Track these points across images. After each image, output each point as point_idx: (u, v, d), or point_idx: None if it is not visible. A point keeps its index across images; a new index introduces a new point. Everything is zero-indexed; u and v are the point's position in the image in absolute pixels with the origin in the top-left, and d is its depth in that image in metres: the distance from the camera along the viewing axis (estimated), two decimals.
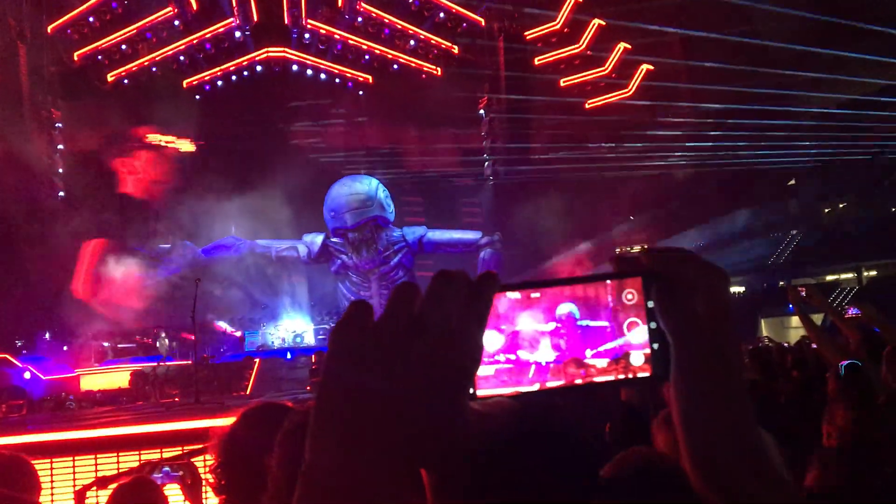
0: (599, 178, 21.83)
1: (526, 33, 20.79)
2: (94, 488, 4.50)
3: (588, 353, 0.80)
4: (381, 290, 18.98)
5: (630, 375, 0.81)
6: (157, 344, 17.32)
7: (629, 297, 0.81)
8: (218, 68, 20.18)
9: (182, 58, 19.99)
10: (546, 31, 21.15)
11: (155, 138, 19.67)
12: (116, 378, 16.16)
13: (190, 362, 15.82)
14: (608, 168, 21.94)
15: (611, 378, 0.81)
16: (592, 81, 21.58)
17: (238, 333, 19.32)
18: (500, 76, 20.73)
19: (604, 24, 20.81)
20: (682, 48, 21.62)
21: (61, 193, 19.12)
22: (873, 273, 25.85)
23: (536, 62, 21.24)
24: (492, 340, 0.76)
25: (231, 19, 19.53)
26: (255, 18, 19.59)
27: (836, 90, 21.86)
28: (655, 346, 0.81)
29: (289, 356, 17.68)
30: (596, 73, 21.37)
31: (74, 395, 14.93)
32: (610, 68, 21.18)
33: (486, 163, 21.58)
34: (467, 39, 21.36)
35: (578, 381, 0.80)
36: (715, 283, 0.79)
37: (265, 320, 20.11)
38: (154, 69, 19.85)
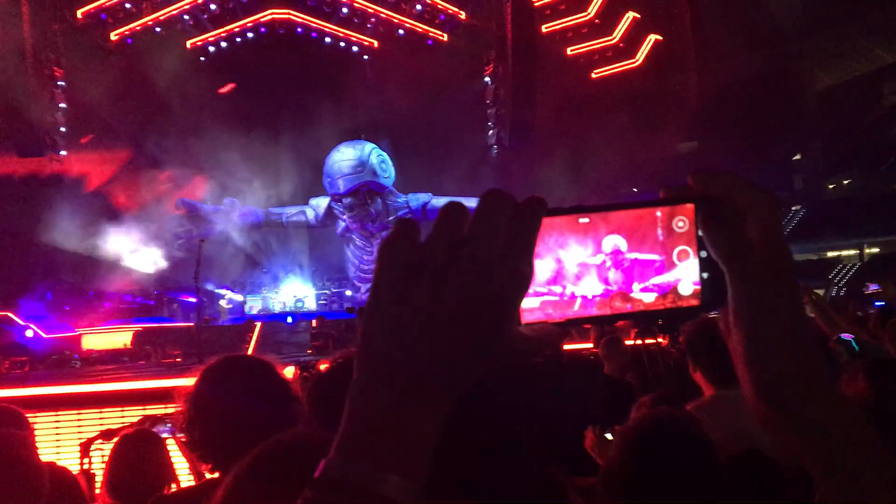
0: (604, 148, 21.72)
1: (534, 0, 20.56)
2: (99, 440, 4.55)
3: (636, 286, 0.79)
4: None
5: (678, 306, 0.80)
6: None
7: (680, 224, 0.79)
8: (222, 29, 20.00)
9: (186, 17, 19.80)
10: None
11: None
12: (118, 338, 16.21)
13: (192, 324, 15.94)
14: (613, 138, 21.83)
15: (658, 308, 0.80)
16: (600, 50, 21.39)
17: (240, 297, 19.39)
18: (506, 43, 20.51)
19: None
20: (691, 19, 21.39)
21: (63, 152, 19.05)
22: (875, 250, 25.86)
23: (544, 30, 21.04)
24: (537, 271, 0.74)
25: None
26: None
27: (844, 65, 21.69)
28: (705, 275, 0.80)
29: (289, 320, 17.77)
30: (603, 41, 21.17)
31: (76, 354, 15.00)
32: (618, 37, 20.98)
33: (491, 130, 21.46)
34: (474, 5, 21.14)
35: (619, 303, 0.79)
36: (765, 207, 0.78)
37: (266, 284, 20.18)
38: (158, 29, 19.67)
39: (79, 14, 19.40)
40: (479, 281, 0.64)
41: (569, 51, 21.40)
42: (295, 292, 19.72)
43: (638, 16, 20.83)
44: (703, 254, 0.80)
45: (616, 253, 0.78)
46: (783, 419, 0.80)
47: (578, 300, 0.77)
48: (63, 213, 17.89)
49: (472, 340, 0.65)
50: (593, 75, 21.78)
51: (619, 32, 21.03)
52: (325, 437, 1.20)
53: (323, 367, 6.07)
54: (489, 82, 21.66)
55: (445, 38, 20.91)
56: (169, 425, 4.28)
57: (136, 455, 3.26)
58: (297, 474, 1.12)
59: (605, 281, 0.78)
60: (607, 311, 0.79)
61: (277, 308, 19.29)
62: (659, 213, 0.79)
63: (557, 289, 0.77)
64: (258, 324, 16.51)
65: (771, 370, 0.80)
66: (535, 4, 20.64)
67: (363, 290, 19.28)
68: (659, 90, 21.59)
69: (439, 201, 19.21)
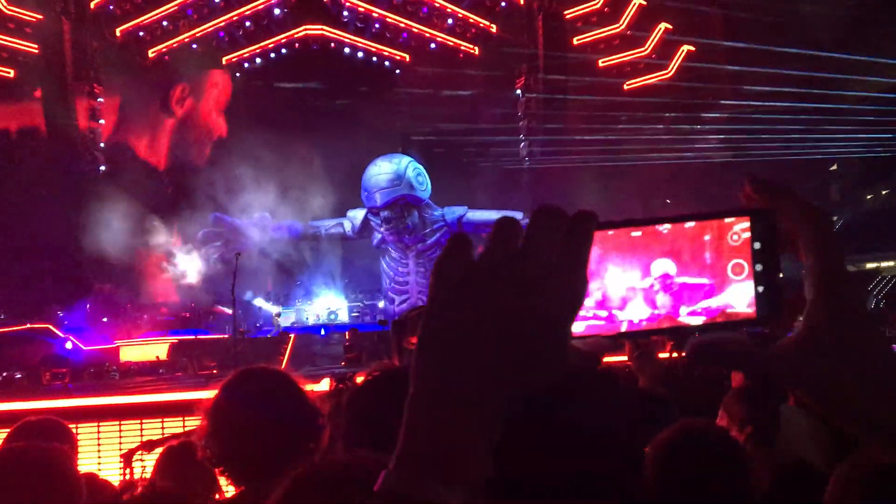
0: (637, 162, 21.59)
1: (565, 12, 20.54)
2: (141, 451, 4.61)
3: (683, 310, 0.78)
4: (418, 268, 19.05)
5: (733, 320, 0.79)
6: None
7: (734, 238, 0.79)
8: (257, 45, 20.28)
9: (222, 34, 20.11)
10: (586, 10, 20.88)
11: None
12: (154, 350, 16.41)
13: (227, 336, 16.09)
14: (647, 151, 21.68)
15: (718, 321, 0.79)
16: (631, 62, 21.28)
17: (275, 310, 19.54)
18: (537, 56, 20.53)
19: (644, 3, 20.48)
20: (724, 29, 21.21)
21: (102, 168, 19.41)
22: None
23: (575, 42, 21.00)
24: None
25: None
26: None
27: (881, 74, 21.33)
28: (761, 288, 0.79)
29: (322, 332, 17.85)
30: (635, 53, 21.07)
31: (114, 366, 15.20)
32: (650, 49, 20.88)
33: (523, 143, 21.46)
34: (505, 18, 21.18)
35: (672, 324, 0.78)
36: (810, 225, 0.76)
37: (300, 297, 20.31)
38: (194, 46, 20.00)
39: (118, 32, 19.78)
40: (534, 296, 0.66)
41: (600, 63, 21.32)
42: (328, 305, 19.82)
43: (670, 27, 20.69)
44: (759, 267, 0.79)
45: (665, 277, 0.78)
46: (852, 423, 0.76)
47: (625, 324, 0.78)
48: (104, 226, 18.20)
49: (528, 355, 0.66)
50: (625, 87, 21.68)
51: (650, 44, 20.91)
52: (361, 461, 1.22)
53: (359, 379, 6.11)
54: (521, 94, 21.65)
55: (477, 51, 20.96)
56: None
57: (181, 468, 3.28)
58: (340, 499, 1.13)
59: (653, 305, 0.78)
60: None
61: (311, 320, 19.40)
62: (707, 237, 0.78)
63: (603, 312, 0.77)
64: (292, 336, 16.63)
65: (846, 382, 0.75)
66: (567, 17, 20.63)
67: (397, 303, 19.31)
68: (692, 100, 21.42)
69: (474, 214, 19.21)
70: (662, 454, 2.21)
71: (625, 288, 0.77)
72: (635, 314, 0.78)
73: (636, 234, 0.77)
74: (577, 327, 0.75)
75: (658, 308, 0.78)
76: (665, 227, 0.78)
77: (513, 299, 0.66)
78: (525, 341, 0.66)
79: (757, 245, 0.79)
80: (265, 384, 2.26)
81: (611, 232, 0.77)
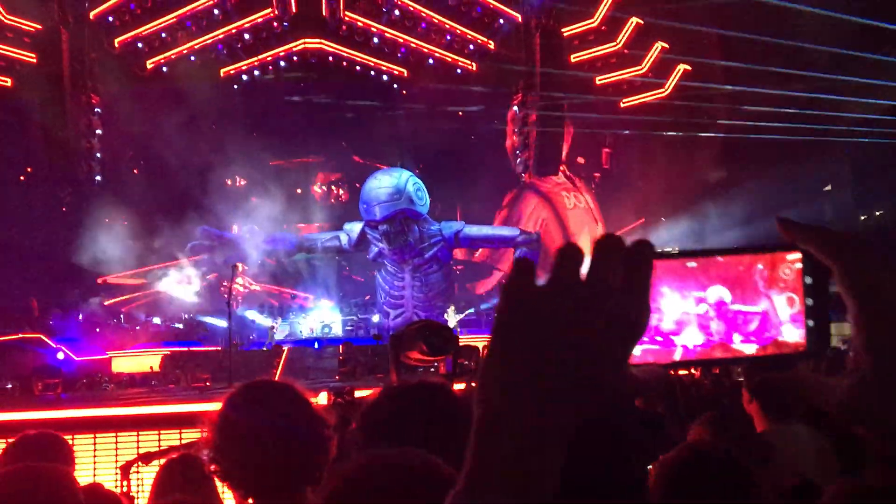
0: (633, 177, 21.73)
1: (563, 30, 20.68)
2: (139, 463, 4.58)
3: (737, 337, 0.79)
4: (415, 282, 19.07)
5: (783, 352, 0.80)
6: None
7: (786, 272, 0.80)
8: (255, 58, 20.33)
9: (220, 47, 20.16)
10: (583, 28, 21.03)
11: None
12: (147, 361, 16.35)
13: (219, 348, 16.04)
14: (642, 167, 21.82)
15: (761, 356, 0.80)
16: (628, 80, 21.42)
17: (269, 322, 19.51)
18: (535, 73, 20.63)
19: (642, 22, 20.64)
20: (721, 49, 21.39)
21: (98, 178, 19.39)
22: None
23: (572, 59, 21.13)
24: None
25: (270, 10, 19.68)
26: (294, 9, 19.71)
27: (876, 95, 21.51)
28: (811, 322, 0.80)
29: (316, 346, 17.83)
30: (632, 71, 21.21)
31: (106, 376, 15.13)
32: (647, 67, 21.02)
33: (518, 159, 21.53)
34: (503, 35, 21.30)
35: (719, 355, 0.79)
36: (843, 263, 0.75)
37: (294, 310, 20.29)
38: (192, 58, 20.03)
39: (116, 43, 19.81)
40: (598, 324, 0.67)
41: (598, 80, 21.46)
42: (322, 318, 19.79)
43: (667, 46, 20.85)
44: (809, 301, 0.80)
45: (720, 304, 0.79)
46: None
47: (679, 349, 0.78)
48: (99, 238, 18.18)
49: (591, 380, 0.67)
50: (622, 104, 21.81)
51: (647, 62, 21.06)
52: (414, 460, 1.21)
53: (359, 393, 6.09)
54: (517, 111, 21.76)
55: (474, 67, 21.07)
56: None
57: (182, 481, 3.26)
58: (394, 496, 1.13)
59: (707, 331, 0.79)
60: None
61: (305, 334, 19.37)
62: (760, 266, 0.80)
63: (658, 337, 0.78)
64: (286, 349, 16.59)
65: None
66: (564, 35, 20.77)
67: (392, 316, 19.29)
68: (687, 119, 21.56)
69: (471, 230, 19.25)
70: (669, 474, 2.21)
71: (680, 313, 0.78)
72: (690, 340, 0.79)
73: (691, 264, 0.78)
74: (634, 351, 0.74)
75: (712, 334, 0.79)
76: (720, 258, 0.79)
77: (577, 327, 0.67)
78: (588, 368, 0.67)
79: (808, 279, 0.80)
80: (273, 397, 2.25)
81: (677, 259, 0.78)
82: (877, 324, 0.74)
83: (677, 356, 0.77)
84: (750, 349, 0.79)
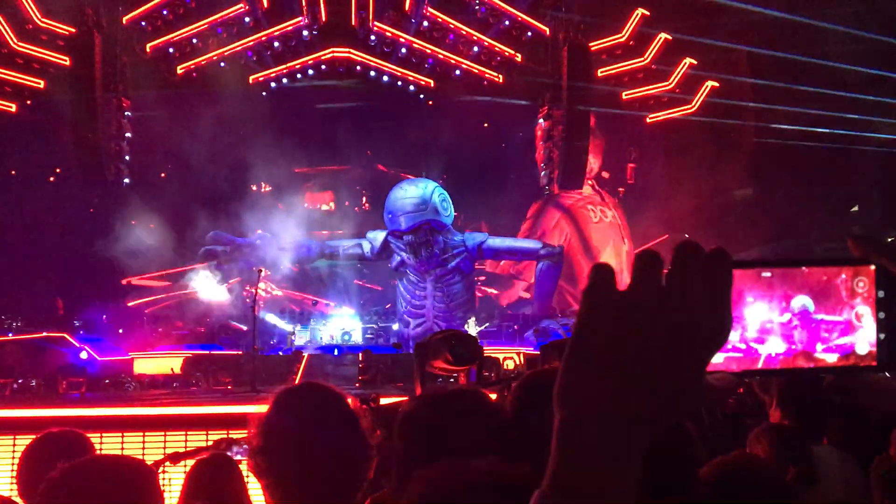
0: (659, 193, 21.63)
1: (591, 44, 20.65)
2: (167, 463, 4.60)
3: (819, 346, 0.81)
4: (436, 292, 19.08)
5: (857, 365, 0.80)
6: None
7: (860, 285, 0.82)
8: (284, 66, 20.49)
9: (250, 54, 20.34)
10: (611, 42, 21.00)
11: None
12: (168, 363, 16.46)
13: (240, 352, 16.13)
14: (668, 183, 21.71)
15: (836, 365, 0.81)
16: (655, 96, 21.35)
17: (289, 328, 19.57)
18: (561, 86, 20.61)
19: (670, 38, 20.58)
20: (749, 67, 21.27)
21: (127, 180, 19.59)
22: None
23: (599, 74, 21.10)
24: None
25: (300, 18, 19.84)
26: (324, 18, 19.86)
27: None
28: (882, 335, 0.81)
29: (336, 353, 17.85)
30: (659, 87, 21.14)
31: (129, 377, 15.25)
32: (674, 83, 20.94)
33: (543, 172, 21.52)
34: (531, 48, 21.32)
35: (802, 363, 0.79)
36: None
37: (315, 317, 20.35)
38: (223, 64, 20.22)
39: (147, 48, 20.05)
40: (681, 332, 0.68)
41: (624, 95, 21.40)
42: (343, 325, 19.83)
43: (695, 62, 20.76)
44: (882, 315, 0.80)
45: (804, 313, 0.80)
46: None
47: (762, 357, 0.80)
48: (125, 240, 18.38)
49: (670, 387, 0.69)
50: (648, 120, 21.74)
51: (675, 78, 20.98)
52: (498, 468, 1.21)
53: (384, 401, 6.09)
54: (543, 123, 21.75)
55: (501, 79, 21.09)
56: (245, 446, 4.28)
57: (213, 481, 3.27)
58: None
59: (790, 340, 0.80)
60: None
61: (325, 340, 19.41)
62: (843, 276, 0.81)
63: (742, 345, 0.78)
64: (305, 355, 16.63)
65: None
66: (592, 49, 20.73)
67: (412, 326, 19.30)
68: (715, 136, 21.45)
69: (494, 241, 19.25)
70: (715, 490, 2.21)
71: (763, 322, 0.79)
72: (773, 348, 0.80)
73: (766, 274, 0.79)
74: (717, 358, 0.76)
75: (795, 343, 0.81)
76: (804, 269, 0.80)
77: (658, 335, 0.68)
78: (669, 376, 0.68)
79: (881, 293, 0.81)
80: (319, 401, 2.24)
81: (753, 269, 0.79)
82: None
83: (760, 364, 0.78)
84: (832, 358, 0.80)
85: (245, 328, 17.36)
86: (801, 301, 0.79)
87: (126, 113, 19.84)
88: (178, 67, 20.17)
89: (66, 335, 16.45)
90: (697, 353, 0.69)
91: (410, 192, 18.45)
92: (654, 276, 0.69)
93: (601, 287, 0.70)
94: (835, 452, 3.74)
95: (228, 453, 4.06)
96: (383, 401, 5.73)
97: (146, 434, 5.79)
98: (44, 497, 2.04)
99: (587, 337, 0.70)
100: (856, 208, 24.26)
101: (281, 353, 17.51)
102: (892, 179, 22.55)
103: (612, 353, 0.68)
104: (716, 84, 20.92)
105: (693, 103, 21.02)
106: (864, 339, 0.80)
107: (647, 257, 0.70)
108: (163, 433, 5.83)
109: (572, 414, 0.69)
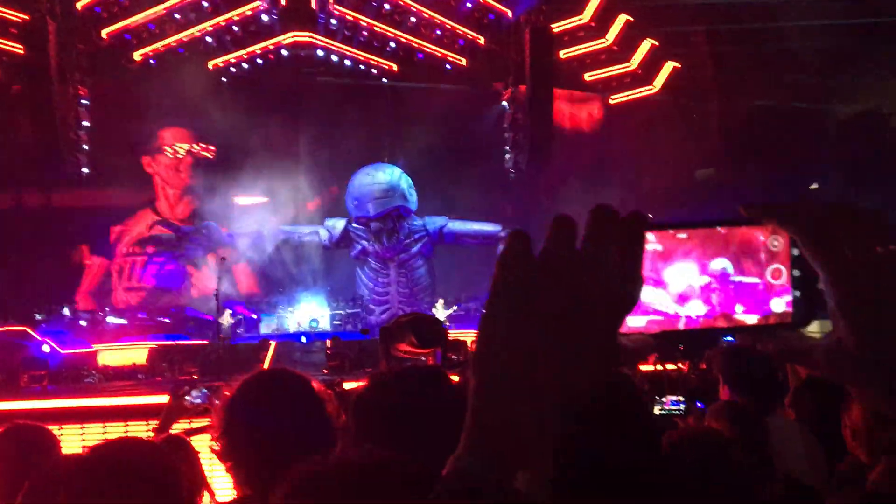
0: (622, 173, 21.76)
1: (552, 26, 20.67)
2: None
3: (738, 308, 0.81)
4: (400, 278, 19.06)
5: (771, 323, 0.82)
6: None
7: (775, 244, 0.82)
8: (244, 51, 20.22)
9: (209, 39, 20.02)
10: (573, 24, 21.05)
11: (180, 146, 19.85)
12: (133, 355, 16.29)
13: (206, 342, 16.00)
14: (630, 164, 21.87)
15: (753, 324, 0.82)
16: (618, 77, 21.48)
17: (255, 315, 19.44)
18: (524, 68, 20.60)
19: (632, 19, 20.68)
20: (711, 48, 21.45)
21: (85, 170, 19.27)
22: None
23: (562, 55, 21.15)
24: (644, 292, 0.77)
25: (259, 2, 19.58)
26: (283, 2, 19.62)
27: (862, 96, 21.65)
28: (797, 293, 0.82)
29: (304, 340, 17.76)
30: (621, 68, 21.26)
31: (92, 369, 15.05)
32: (636, 64, 21.08)
33: (508, 155, 21.55)
34: (493, 31, 21.30)
35: (722, 325, 0.80)
36: (801, 235, 0.79)
37: (282, 304, 20.20)
38: (181, 50, 19.91)
39: (104, 34, 19.65)
40: (592, 295, 0.69)
41: (586, 77, 21.50)
42: (310, 312, 19.72)
43: (656, 43, 20.90)
44: (797, 272, 0.82)
45: (723, 275, 0.80)
46: None
47: (683, 320, 0.80)
48: (84, 230, 18.12)
49: (583, 350, 0.69)
50: (611, 101, 21.87)
51: (636, 59, 21.11)
52: (365, 459, 1.21)
53: (347, 385, 6.08)
54: (507, 107, 21.78)
55: (464, 62, 21.05)
56: (205, 391, 4.22)
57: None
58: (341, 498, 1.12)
59: (709, 302, 0.81)
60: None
61: (293, 328, 19.29)
62: (762, 237, 0.81)
63: (662, 307, 0.79)
64: (273, 343, 16.52)
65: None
66: (554, 31, 20.75)
67: (377, 313, 19.27)
68: (676, 117, 21.64)
69: (455, 225, 19.25)
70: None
71: (683, 285, 0.80)
72: (693, 310, 0.80)
73: (682, 235, 0.79)
74: (638, 322, 0.78)
75: (714, 305, 0.81)
76: (721, 229, 0.80)
77: (571, 297, 0.69)
78: (582, 338, 0.69)
79: (795, 251, 0.82)
80: (283, 386, 2.26)
81: (669, 231, 0.79)
82: (843, 284, 0.76)
83: (681, 325, 0.79)
84: (751, 319, 0.81)
85: (211, 318, 17.20)
86: (721, 263, 0.80)
87: (83, 101, 19.48)
88: (136, 54, 19.83)
89: (27, 328, 16.17)
90: (609, 316, 0.70)
91: (378, 178, 18.36)
92: (567, 240, 0.70)
93: (513, 253, 0.70)
94: (794, 426, 3.81)
95: (188, 398, 4.04)
96: (348, 385, 5.74)
97: (106, 425, 5.73)
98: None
99: (499, 303, 0.71)
100: (815, 185, 24.66)
101: (245, 344, 17.35)
102: (852, 158, 22.94)
103: (524, 317, 0.69)
104: (677, 65, 21.08)
105: (654, 84, 21.19)
106: (780, 297, 0.82)
107: (563, 221, 0.71)
108: (124, 423, 5.77)
109: (485, 377, 0.70)
